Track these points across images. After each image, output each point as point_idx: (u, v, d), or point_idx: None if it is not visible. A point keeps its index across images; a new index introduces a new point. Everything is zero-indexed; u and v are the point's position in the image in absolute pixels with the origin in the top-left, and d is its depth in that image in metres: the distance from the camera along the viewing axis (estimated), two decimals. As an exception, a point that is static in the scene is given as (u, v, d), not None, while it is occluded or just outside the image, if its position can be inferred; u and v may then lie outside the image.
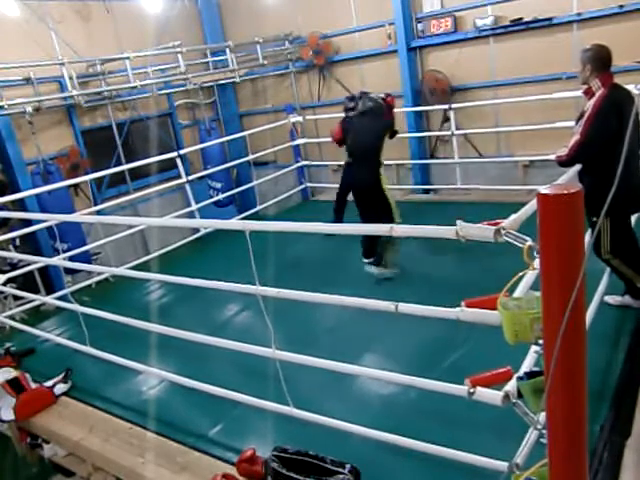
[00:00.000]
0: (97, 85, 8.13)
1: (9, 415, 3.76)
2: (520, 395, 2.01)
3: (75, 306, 4.16)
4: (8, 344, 4.67)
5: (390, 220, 4.75)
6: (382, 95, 5.12)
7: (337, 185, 5.75)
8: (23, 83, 7.29)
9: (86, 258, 6.73)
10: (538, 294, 1.61)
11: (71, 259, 5.68)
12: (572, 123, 3.77)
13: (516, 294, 2.04)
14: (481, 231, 1.96)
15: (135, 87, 7.84)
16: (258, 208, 7.72)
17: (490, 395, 2.16)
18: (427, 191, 8.14)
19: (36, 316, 6.06)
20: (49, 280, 7.30)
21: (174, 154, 6.66)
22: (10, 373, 4.07)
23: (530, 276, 2.10)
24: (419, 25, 7.83)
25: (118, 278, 6.02)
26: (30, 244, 7.04)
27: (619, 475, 2.49)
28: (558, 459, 1.65)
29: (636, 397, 2.93)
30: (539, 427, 2.04)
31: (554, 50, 6.80)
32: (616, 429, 2.73)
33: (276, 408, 2.99)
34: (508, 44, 7.25)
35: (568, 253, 1.45)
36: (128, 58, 7.52)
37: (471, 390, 2.17)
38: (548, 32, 6.88)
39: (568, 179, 3.15)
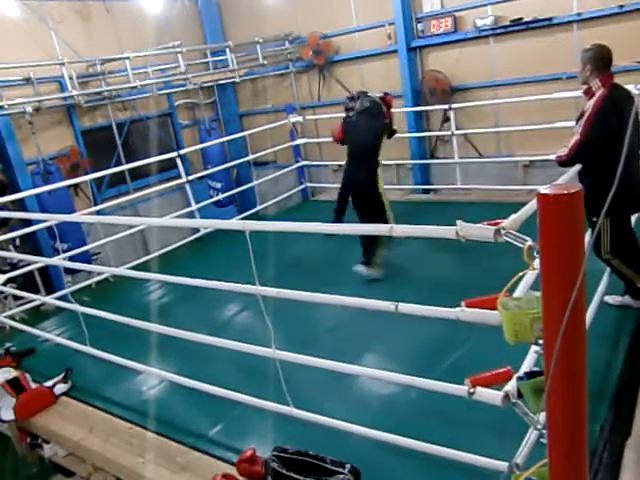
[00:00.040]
0: (97, 85, 8.13)
1: (9, 415, 3.76)
2: (520, 395, 2.01)
3: (75, 306, 4.16)
4: (8, 344, 4.67)
5: (382, 221, 4.75)
6: (380, 94, 5.12)
7: (337, 185, 5.74)
8: (23, 83, 7.29)
9: (86, 258, 6.73)
10: (538, 294, 1.61)
11: (71, 259, 5.68)
12: (572, 123, 3.76)
13: (516, 294, 2.04)
14: (481, 231, 1.96)
15: (135, 87, 7.84)
16: (258, 208, 7.72)
17: (490, 395, 2.16)
18: (427, 191, 8.14)
19: (36, 316, 6.06)
20: (49, 280, 7.30)
21: (174, 154, 6.66)
22: (10, 373, 4.07)
23: (530, 276, 2.10)
24: (419, 25, 7.83)
25: (118, 278, 6.02)
26: (30, 244, 7.04)
27: (619, 475, 2.49)
28: (558, 459, 1.65)
29: (636, 397, 2.93)
30: (539, 427, 2.04)
31: (554, 50, 6.80)
32: (616, 429, 2.73)
33: (276, 408, 2.99)
34: (508, 44, 7.25)
35: (568, 253, 1.45)
36: (128, 58, 7.52)
37: (471, 390, 2.17)
38: (548, 32, 6.87)
39: (568, 179, 3.15)
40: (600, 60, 3.47)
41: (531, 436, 2.17)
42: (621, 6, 6.27)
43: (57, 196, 6.71)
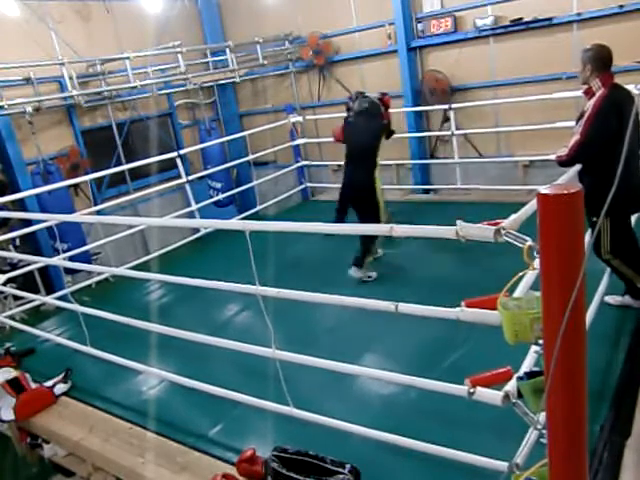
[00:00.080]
0: (97, 85, 8.12)
1: (9, 415, 3.76)
2: (520, 395, 2.01)
3: (75, 306, 4.15)
4: (8, 344, 4.67)
5: (375, 222, 4.75)
6: (378, 95, 5.11)
7: (337, 185, 5.75)
8: (23, 83, 7.29)
9: (86, 258, 6.73)
10: (538, 294, 1.61)
11: (71, 259, 5.68)
12: (572, 123, 3.76)
13: (516, 294, 2.04)
14: (481, 231, 1.96)
15: (135, 87, 7.84)
16: (258, 208, 7.72)
17: (490, 395, 2.16)
18: (427, 191, 8.13)
19: (36, 316, 6.06)
20: (49, 280, 7.30)
21: (174, 154, 6.65)
22: (10, 373, 4.07)
23: (530, 276, 2.10)
24: (419, 25, 7.83)
25: (118, 278, 6.02)
26: (30, 244, 7.04)
27: (619, 475, 2.49)
28: (558, 459, 1.65)
29: (636, 397, 2.93)
30: (539, 427, 2.04)
31: (554, 50, 6.80)
32: (616, 429, 2.73)
33: (276, 408, 2.99)
34: (508, 44, 7.25)
35: (568, 253, 1.45)
36: (128, 58, 7.52)
37: (471, 390, 2.17)
38: (548, 32, 6.87)
39: (568, 179, 3.15)
40: (600, 60, 3.47)
41: (531, 436, 2.17)
42: (621, 6, 6.27)
43: (57, 196, 6.71)
